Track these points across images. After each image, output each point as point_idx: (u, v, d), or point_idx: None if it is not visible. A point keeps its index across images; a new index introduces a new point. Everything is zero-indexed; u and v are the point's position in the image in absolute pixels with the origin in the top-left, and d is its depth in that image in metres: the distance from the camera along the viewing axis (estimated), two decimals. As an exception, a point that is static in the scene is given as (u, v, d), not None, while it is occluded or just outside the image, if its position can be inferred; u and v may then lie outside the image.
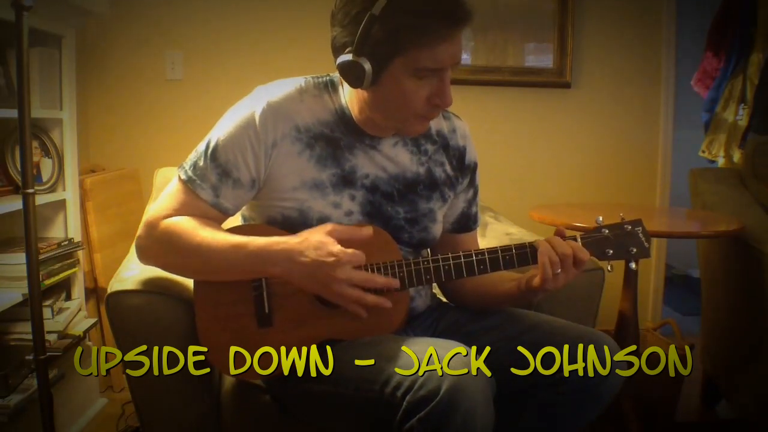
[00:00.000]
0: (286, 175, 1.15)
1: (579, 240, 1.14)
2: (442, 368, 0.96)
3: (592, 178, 2.66)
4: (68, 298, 2.03)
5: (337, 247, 1.05)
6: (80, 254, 2.01)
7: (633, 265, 1.17)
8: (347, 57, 1.05)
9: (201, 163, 1.14)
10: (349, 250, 1.05)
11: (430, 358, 0.98)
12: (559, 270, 1.09)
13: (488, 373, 1.01)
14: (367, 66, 1.04)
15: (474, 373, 0.97)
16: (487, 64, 2.56)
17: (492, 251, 1.13)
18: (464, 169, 1.29)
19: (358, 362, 1.07)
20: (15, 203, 1.67)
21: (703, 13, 2.78)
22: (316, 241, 1.06)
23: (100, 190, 2.17)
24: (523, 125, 2.63)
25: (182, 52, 2.49)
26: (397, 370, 1.00)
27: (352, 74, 1.06)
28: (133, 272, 1.24)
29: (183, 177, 1.15)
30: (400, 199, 1.21)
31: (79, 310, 2.03)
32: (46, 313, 1.82)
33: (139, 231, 1.15)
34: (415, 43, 1.02)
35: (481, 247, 1.15)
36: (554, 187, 2.65)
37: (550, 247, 1.09)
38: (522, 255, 1.13)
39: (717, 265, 2.12)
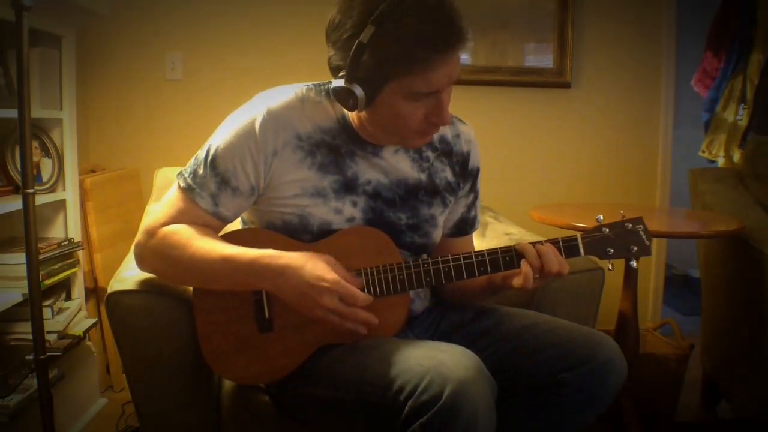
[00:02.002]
0: (287, 182, 1.14)
1: (580, 240, 1.14)
2: (444, 372, 0.96)
3: (592, 178, 2.66)
4: (68, 298, 2.03)
5: (332, 275, 1.03)
6: (80, 254, 2.01)
7: (634, 264, 1.17)
8: (340, 83, 1.04)
9: (200, 171, 1.13)
10: (347, 285, 1.03)
11: (432, 362, 0.98)
12: (538, 275, 1.11)
13: (490, 377, 1.01)
14: (359, 92, 1.03)
15: (476, 377, 0.97)
16: (487, 64, 2.56)
17: (492, 252, 1.13)
18: (467, 174, 1.28)
19: (359, 366, 1.07)
20: (15, 203, 1.67)
21: (703, 13, 2.78)
22: (312, 265, 1.04)
23: (100, 190, 2.17)
24: (523, 125, 2.63)
25: (182, 53, 2.49)
26: (399, 374, 1.00)
27: (345, 100, 1.05)
28: (133, 272, 1.24)
29: (182, 185, 1.14)
30: (402, 205, 1.21)
31: (79, 310, 2.03)
32: (46, 313, 1.82)
33: (138, 237, 1.15)
34: (404, 70, 1.01)
35: (478, 247, 1.15)
36: (554, 187, 2.65)
37: (536, 255, 1.10)
38: (521, 256, 1.12)
39: (717, 265, 2.12)
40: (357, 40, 1.00)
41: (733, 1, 2.58)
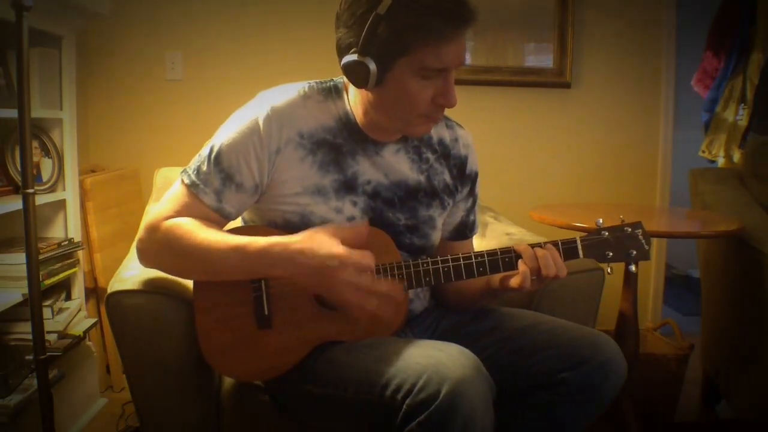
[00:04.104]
0: (289, 180, 1.14)
1: (579, 242, 1.14)
2: (442, 371, 0.96)
3: (592, 178, 2.66)
4: (68, 298, 2.03)
5: (340, 249, 1.02)
6: (80, 254, 2.01)
7: (632, 268, 1.17)
8: (352, 57, 1.05)
9: (204, 167, 1.13)
10: (356, 253, 1.02)
11: (430, 361, 0.98)
12: (535, 277, 1.11)
13: (488, 376, 1.01)
14: (372, 66, 1.04)
15: (474, 375, 0.97)
16: (487, 64, 2.56)
17: (491, 253, 1.13)
18: (465, 178, 1.29)
19: (357, 365, 1.07)
20: (15, 203, 1.67)
21: (703, 13, 2.78)
22: (319, 242, 1.04)
23: (100, 190, 2.17)
24: (523, 125, 2.63)
25: (182, 53, 2.49)
26: (397, 373, 1.00)
27: (356, 74, 1.06)
28: (133, 272, 1.24)
29: (186, 181, 1.14)
30: (401, 205, 1.21)
31: (79, 310, 2.03)
32: (46, 313, 1.82)
33: (140, 234, 1.15)
34: (420, 42, 1.02)
35: (478, 248, 1.15)
36: (554, 187, 2.65)
37: (534, 256, 1.10)
38: (519, 256, 1.13)
39: (717, 265, 2.12)
40: (373, 13, 1.01)
41: (733, 1, 2.58)
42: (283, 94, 1.16)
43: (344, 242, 1.04)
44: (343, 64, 1.07)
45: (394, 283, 1.06)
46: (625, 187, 2.67)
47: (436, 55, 1.04)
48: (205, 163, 1.13)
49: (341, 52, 1.09)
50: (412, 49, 1.03)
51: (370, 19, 1.02)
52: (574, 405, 1.11)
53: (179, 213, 1.13)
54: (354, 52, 1.05)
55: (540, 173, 2.66)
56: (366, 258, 1.03)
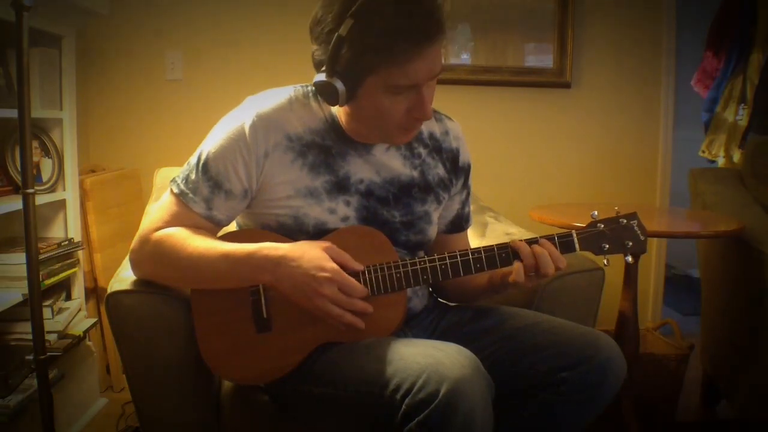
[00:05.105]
0: (280, 184, 1.15)
1: (575, 236, 1.14)
2: (441, 371, 0.96)
3: (592, 178, 2.66)
4: (68, 298, 2.03)
5: (330, 264, 1.05)
6: (80, 254, 2.01)
7: (629, 259, 1.17)
8: (321, 77, 1.05)
9: (192, 176, 1.14)
10: (344, 274, 1.05)
11: (430, 361, 0.98)
12: (533, 273, 1.11)
13: (488, 375, 1.01)
14: (340, 86, 1.04)
15: (473, 375, 0.97)
16: (487, 64, 2.56)
17: (488, 249, 1.13)
18: (458, 170, 1.29)
19: (357, 365, 1.07)
20: (15, 203, 1.68)
21: (703, 13, 2.78)
22: (311, 255, 1.05)
23: (100, 190, 2.17)
24: (523, 125, 2.63)
25: (182, 53, 2.49)
26: (396, 372, 1.00)
27: (326, 94, 1.07)
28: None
29: (175, 191, 1.15)
30: (395, 202, 1.21)
31: (79, 310, 2.03)
32: (46, 313, 1.82)
33: (133, 244, 1.15)
34: (384, 63, 1.02)
35: (476, 246, 1.15)
36: (554, 187, 2.65)
37: (531, 254, 1.10)
38: (516, 253, 1.13)
39: (717, 265, 2.12)
40: (336, 34, 1.00)
41: (733, 1, 2.58)
42: (269, 98, 1.17)
43: (334, 261, 1.06)
44: (314, 83, 1.07)
45: (367, 305, 1.08)
46: (625, 187, 2.67)
47: (403, 73, 1.03)
48: (194, 172, 1.14)
49: (315, 66, 1.09)
50: (377, 69, 1.02)
51: (333, 40, 1.01)
52: (574, 404, 1.11)
53: (169, 223, 1.13)
54: (323, 71, 1.05)
55: (540, 173, 2.66)
56: (350, 281, 1.05)
